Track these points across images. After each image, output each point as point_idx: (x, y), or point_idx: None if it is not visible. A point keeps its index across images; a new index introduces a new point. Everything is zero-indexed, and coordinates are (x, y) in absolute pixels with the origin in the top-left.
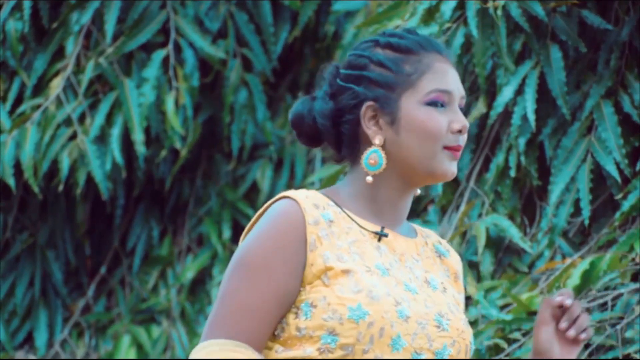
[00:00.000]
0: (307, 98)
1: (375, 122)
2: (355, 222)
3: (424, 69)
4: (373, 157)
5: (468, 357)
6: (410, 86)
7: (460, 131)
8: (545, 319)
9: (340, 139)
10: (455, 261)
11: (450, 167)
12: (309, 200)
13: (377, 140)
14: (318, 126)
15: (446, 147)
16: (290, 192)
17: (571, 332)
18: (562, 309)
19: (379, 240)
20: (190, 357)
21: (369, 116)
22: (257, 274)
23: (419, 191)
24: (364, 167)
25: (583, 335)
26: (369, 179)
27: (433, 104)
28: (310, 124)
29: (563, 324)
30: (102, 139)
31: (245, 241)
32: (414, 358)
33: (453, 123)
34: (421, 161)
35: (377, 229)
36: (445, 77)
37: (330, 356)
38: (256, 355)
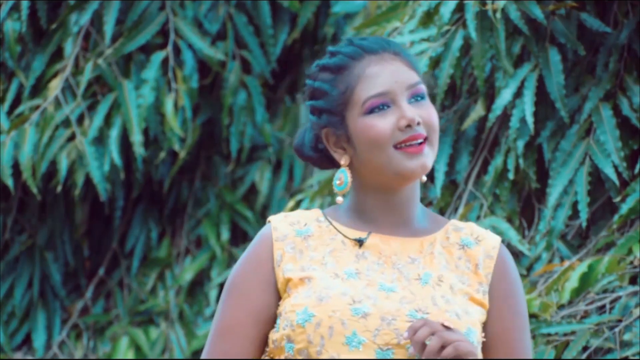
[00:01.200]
0: (303, 131)
1: (339, 145)
2: (341, 232)
3: (354, 81)
4: (340, 177)
5: None
6: (347, 102)
7: (409, 126)
8: None
9: (332, 162)
10: (480, 250)
11: (411, 164)
12: (286, 219)
13: (343, 160)
14: (312, 159)
15: (397, 146)
16: (274, 215)
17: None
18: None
19: (360, 246)
20: None
21: (332, 141)
22: (233, 296)
23: (424, 178)
24: (334, 188)
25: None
26: (339, 199)
27: (371, 112)
28: (306, 155)
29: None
30: (100, 140)
31: (233, 267)
32: (378, 355)
33: (399, 119)
34: (382, 168)
35: (362, 235)
36: (378, 79)
37: None
38: None
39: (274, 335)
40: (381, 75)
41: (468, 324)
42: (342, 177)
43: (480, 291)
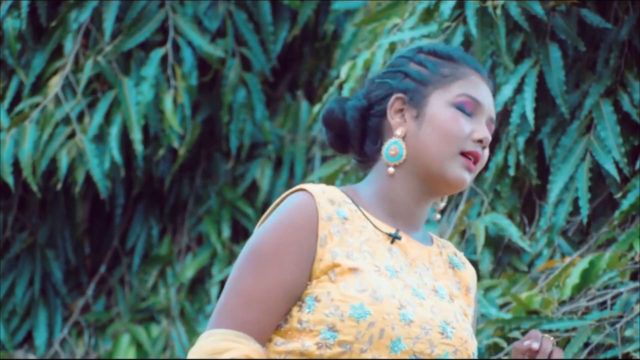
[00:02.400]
0: (342, 97)
1: (401, 115)
2: (370, 221)
3: (460, 75)
4: (394, 147)
5: None
6: (442, 86)
7: (481, 141)
8: None
9: (365, 134)
10: (469, 275)
11: (462, 174)
12: (325, 195)
13: (399, 131)
14: (347, 121)
15: (463, 154)
16: (308, 185)
17: None
18: (532, 352)
19: (392, 242)
20: (195, 346)
21: (396, 108)
22: (266, 264)
23: (442, 204)
24: (384, 157)
25: None
26: (391, 170)
27: (460, 108)
28: (340, 119)
29: None
30: (100, 137)
31: (259, 230)
32: None
33: (475, 132)
34: (435, 160)
35: (392, 230)
36: (478, 88)
37: (327, 352)
38: (256, 346)
39: (303, 316)
40: (480, 89)
41: (476, 344)
42: (397, 147)
43: (470, 314)
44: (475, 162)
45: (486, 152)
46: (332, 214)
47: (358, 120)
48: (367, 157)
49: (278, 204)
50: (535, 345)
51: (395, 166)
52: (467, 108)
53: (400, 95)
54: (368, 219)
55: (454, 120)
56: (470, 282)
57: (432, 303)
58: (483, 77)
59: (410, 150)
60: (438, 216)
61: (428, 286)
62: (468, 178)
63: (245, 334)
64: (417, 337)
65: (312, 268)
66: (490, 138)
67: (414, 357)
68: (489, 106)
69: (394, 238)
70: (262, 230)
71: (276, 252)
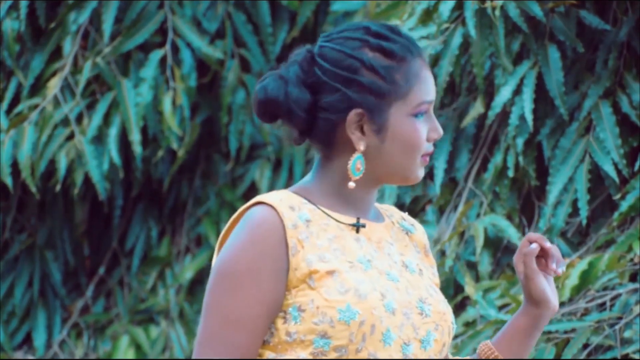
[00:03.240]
0: (276, 77)
1: (360, 128)
2: (332, 217)
3: (412, 80)
4: (359, 162)
5: (450, 338)
6: (401, 97)
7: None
8: (534, 269)
9: (309, 129)
10: (421, 234)
11: (420, 173)
12: (284, 203)
13: (362, 146)
14: (293, 113)
15: (422, 156)
16: (263, 197)
17: (560, 270)
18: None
19: (357, 231)
20: None
21: (355, 122)
22: (242, 283)
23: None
24: (350, 172)
25: (561, 270)
26: (352, 184)
27: (418, 115)
28: (284, 110)
29: (560, 268)
30: (99, 139)
31: (225, 250)
32: (404, 350)
33: (431, 132)
34: (400, 169)
35: (353, 220)
36: (429, 85)
37: (324, 359)
38: None
39: (291, 328)
40: (429, 83)
41: (451, 312)
42: (361, 162)
43: (435, 274)
44: (429, 156)
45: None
46: (296, 220)
47: (305, 118)
48: (302, 142)
49: (237, 220)
50: (547, 244)
51: (356, 182)
52: (424, 112)
53: (359, 110)
54: (329, 215)
55: (416, 131)
56: (425, 241)
57: (406, 283)
58: (424, 59)
59: (370, 162)
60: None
61: (398, 263)
62: (423, 173)
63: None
64: (402, 323)
65: (287, 278)
66: (442, 133)
67: (404, 345)
68: (434, 93)
69: (358, 227)
70: (231, 250)
71: (250, 270)
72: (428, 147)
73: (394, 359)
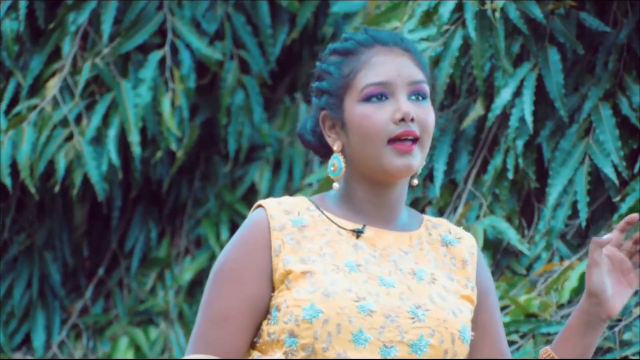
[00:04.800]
0: (308, 117)
1: (334, 129)
2: (335, 223)
3: (358, 67)
4: (333, 163)
5: (459, 347)
6: (348, 87)
7: (403, 119)
8: (595, 260)
9: (327, 149)
10: (463, 248)
11: (398, 162)
12: (280, 207)
13: (336, 146)
14: (311, 145)
15: (390, 141)
16: (265, 200)
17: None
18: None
19: (357, 237)
20: None
21: (328, 125)
22: (228, 282)
23: (415, 181)
24: (328, 174)
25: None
26: (335, 185)
27: (368, 99)
28: (307, 139)
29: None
30: (98, 139)
31: (221, 252)
32: (383, 352)
33: (395, 113)
34: (369, 161)
35: (358, 226)
36: (382, 68)
37: (294, 358)
38: None
39: (270, 328)
40: (385, 66)
41: (462, 321)
42: (336, 163)
43: (469, 287)
44: (407, 137)
45: (426, 117)
46: (286, 223)
47: (316, 142)
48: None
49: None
50: (635, 216)
51: (338, 179)
52: (375, 96)
53: (324, 112)
54: (332, 221)
55: (364, 117)
56: (466, 255)
57: (403, 289)
58: (390, 46)
59: (350, 160)
60: (415, 182)
61: (404, 271)
62: (409, 161)
63: (215, 358)
64: (382, 326)
65: (272, 279)
66: (410, 110)
67: (384, 347)
68: (404, 74)
69: (358, 233)
70: (223, 251)
71: (234, 270)
72: (394, 129)
73: (367, 359)
